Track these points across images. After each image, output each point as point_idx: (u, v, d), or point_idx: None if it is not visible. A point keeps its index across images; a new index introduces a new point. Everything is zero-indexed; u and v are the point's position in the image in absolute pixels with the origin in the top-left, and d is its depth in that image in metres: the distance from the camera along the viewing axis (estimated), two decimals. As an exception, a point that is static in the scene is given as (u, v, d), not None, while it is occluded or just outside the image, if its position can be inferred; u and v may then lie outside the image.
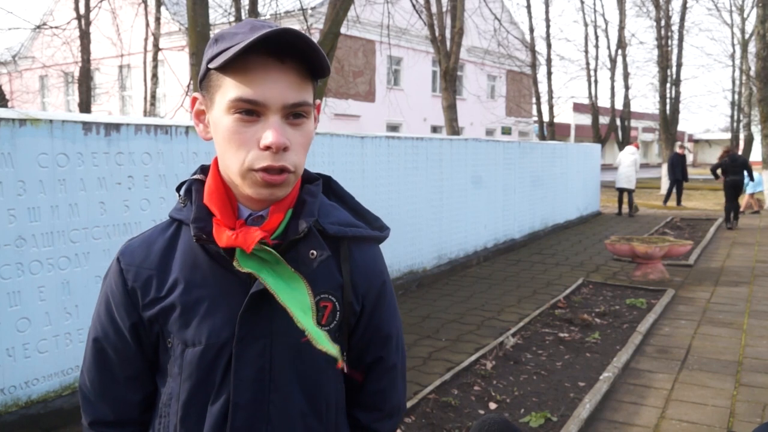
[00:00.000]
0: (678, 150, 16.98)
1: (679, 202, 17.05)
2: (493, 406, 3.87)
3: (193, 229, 1.03)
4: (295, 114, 0.99)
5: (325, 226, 1.09)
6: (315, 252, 1.05)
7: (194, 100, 1.08)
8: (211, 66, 0.97)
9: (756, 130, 28.54)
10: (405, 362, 1.27)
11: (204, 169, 1.13)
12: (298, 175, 1.02)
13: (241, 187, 1.01)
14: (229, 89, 0.97)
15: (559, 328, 5.46)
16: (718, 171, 13.07)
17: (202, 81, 1.03)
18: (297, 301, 1.02)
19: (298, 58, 0.97)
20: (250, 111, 0.96)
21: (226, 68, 0.96)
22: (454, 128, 13.40)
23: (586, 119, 27.19)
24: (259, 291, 1.01)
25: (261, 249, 1.01)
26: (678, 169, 16.51)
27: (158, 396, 1.11)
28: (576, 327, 5.51)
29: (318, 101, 1.09)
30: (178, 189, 1.13)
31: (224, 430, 1.04)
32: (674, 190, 17.06)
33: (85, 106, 14.19)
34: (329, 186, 1.19)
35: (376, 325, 1.17)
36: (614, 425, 3.66)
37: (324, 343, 1.03)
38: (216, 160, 1.07)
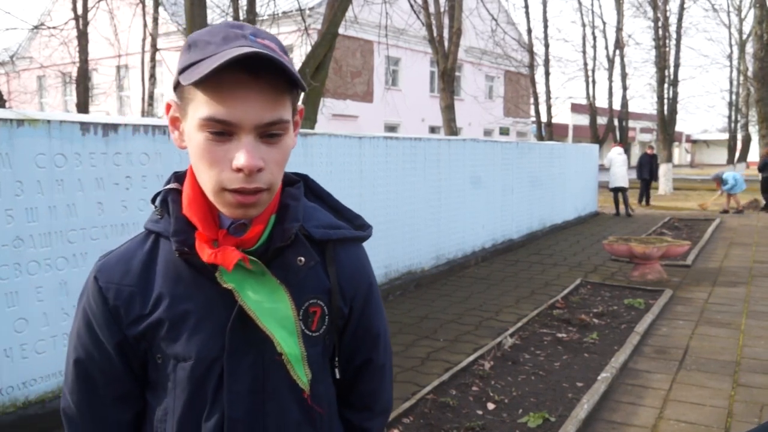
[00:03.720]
0: (647, 150, 17.39)
1: (647, 201, 17.36)
2: (491, 406, 3.87)
3: (175, 243, 0.99)
4: (270, 133, 0.94)
5: (310, 230, 1.07)
6: (303, 258, 1.03)
7: (168, 106, 1.03)
8: (182, 81, 0.92)
9: (754, 130, 28.60)
10: (391, 361, 1.26)
11: (178, 177, 1.08)
12: (273, 192, 0.98)
13: (215, 204, 0.98)
14: (200, 106, 0.92)
15: (557, 329, 5.46)
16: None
17: (176, 88, 0.98)
18: (279, 318, 1.00)
19: (274, 72, 0.91)
20: (221, 131, 0.92)
21: (198, 83, 0.90)
22: (452, 128, 13.41)
23: (584, 120, 27.21)
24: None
25: (250, 260, 0.98)
26: (646, 168, 17.04)
27: (150, 412, 1.08)
28: (574, 327, 5.51)
29: (301, 107, 1.06)
30: (153, 200, 1.08)
31: None
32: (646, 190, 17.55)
33: (82, 106, 14.18)
34: (307, 185, 1.17)
35: (365, 326, 1.16)
36: (612, 425, 3.67)
37: (299, 368, 1.02)
38: (192, 168, 1.02)
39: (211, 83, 0.90)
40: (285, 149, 0.98)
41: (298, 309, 1.03)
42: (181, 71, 0.94)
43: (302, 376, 1.03)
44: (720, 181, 15.36)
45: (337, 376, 1.14)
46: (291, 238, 1.02)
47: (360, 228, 1.16)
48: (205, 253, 0.97)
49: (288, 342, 1.01)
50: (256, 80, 0.91)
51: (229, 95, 0.90)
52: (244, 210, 0.96)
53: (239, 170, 0.92)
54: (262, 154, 0.93)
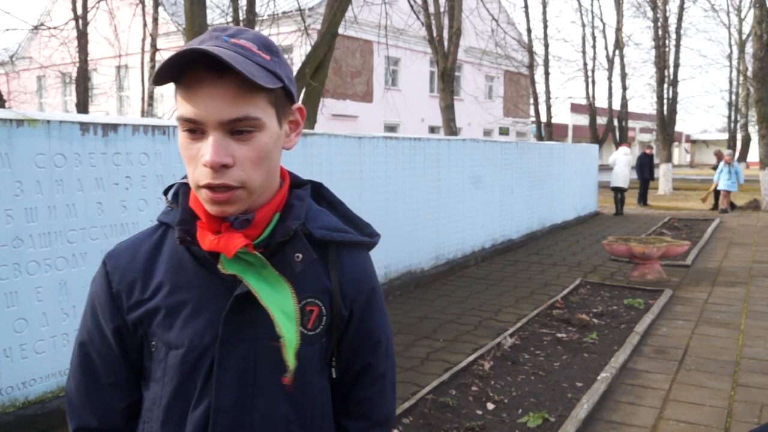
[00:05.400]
0: (646, 150, 17.56)
1: (645, 201, 17.52)
2: (490, 406, 3.87)
3: (178, 232, 1.03)
4: (238, 130, 0.96)
5: (312, 230, 1.08)
6: (300, 255, 1.05)
7: None
8: (152, 82, 0.99)
9: (753, 130, 28.59)
10: (394, 371, 1.25)
11: None
12: (251, 190, 0.99)
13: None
14: (179, 106, 0.97)
15: (556, 329, 5.46)
16: None
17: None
18: (280, 305, 1.02)
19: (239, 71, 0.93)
20: (193, 129, 0.96)
21: (176, 82, 0.96)
22: (451, 129, 13.41)
23: (583, 120, 27.21)
24: (243, 293, 1.01)
25: (246, 252, 1.00)
26: (646, 168, 17.22)
27: (143, 401, 1.10)
28: (574, 327, 5.51)
29: (299, 105, 1.08)
30: (165, 192, 1.13)
31: None
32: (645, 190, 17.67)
33: (82, 106, 14.18)
34: (320, 192, 1.18)
35: (366, 331, 1.16)
36: (612, 425, 3.67)
37: (290, 354, 1.02)
38: None
39: (183, 83, 0.95)
40: (258, 147, 0.98)
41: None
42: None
43: (291, 360, 1.03)
44: (720, 156, 15.67)
45: (333, 375, 1.14)
46: (290, 234, 1.04)
47: (368, 236, 1.17)
48: (207, 241, 1.00)
49: (288, 327, 1.02)
50: (221, 78, 0.93)
51: (195, 94, 0.94)
52: (219, 207, 0.98)
53: (206, 166, 0.95)
54: (231, 150, 0.96)
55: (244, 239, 1.00)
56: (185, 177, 1.10)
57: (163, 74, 0.93)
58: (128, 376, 1.10)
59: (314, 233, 1.08)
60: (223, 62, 0.90)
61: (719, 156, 16.25)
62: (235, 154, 0.96)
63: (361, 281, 1.15)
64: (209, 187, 0.96)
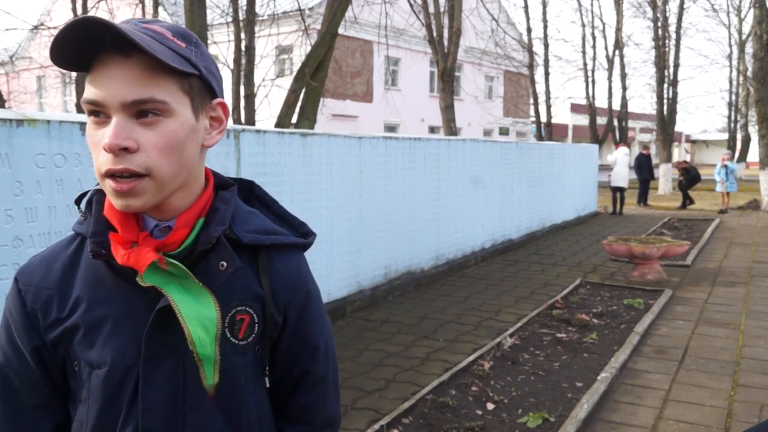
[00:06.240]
0: (643, 151, 17.67)
1: (645, 201, 17.58)
2: (490, 406, 3.87)
3: (91, 245, 0.96)
4: (142, 112, 0.90)
5: (239, 234, 1.02)
6: (225, 263, 0.99)
7: None
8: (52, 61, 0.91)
9: (753, 130, 28.60)
10: (337, 373, 1.20)
11: None
12: (159, 181, 0.92)
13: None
14: (85, 90, 0.92)
15: (556, 329, 5.46)
16: None
17: None
18: (201, 318, 0.97)
19: (146, 52, 0.88)
20: (96, 112, 0.91)
21: (56, 64, 0.90)
22: (451, 129, 13.41)
23: (583, 120, 27.20)
24: (165, 306, 0.95)
25: (168, 262, 0.94)
26: (645, 169, 17.33)
27: (71, 423, 1.04)
28: (573, 327, 5.51)
29: (221, 101, 1.02)
30: (78, 200, 1.05)
31: None
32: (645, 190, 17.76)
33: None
34: (252, 192, 1.13)
35: (302, 336, 1.10)
36: (612, 425, 3.67)
37: (209, 370, 0.98)
38: None
39: (92, 66, 0.90)
40: (166, 134, 0.92)
41: (224, 316, 1.00)
42: None
43: (210, 377, 0.99)
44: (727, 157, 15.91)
45: (267, 384, 1.10)
46: (212, 242, 0.98)
47: (303, 236, 1.11)
48: (119, 255, 0.94)
49: (203, 342, 0.97)
50: (127, 59, 0.89)
51: (99, 75, 0.90)
52: (123, 199, 0.91)
53: (105, 150, 0.89)
54: (135, 135, 0.90)
55: (154, 254, 0.93)
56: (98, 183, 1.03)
57: (64, 52, 0.88)
58: (53, 396, 1.03)
59: (242, 238, 1.02)
60: (126, 38, 0.85)
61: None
62: (139, 138, 0.90)
63: (295, 285, 1.09)
64: (111, 174, 0.90)
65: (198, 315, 0.96)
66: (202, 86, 0.97)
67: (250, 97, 9.59)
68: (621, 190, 14.87)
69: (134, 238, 0.95)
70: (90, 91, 0.90)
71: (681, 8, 21.45)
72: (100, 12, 14.29)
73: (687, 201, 16.76)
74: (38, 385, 1.02)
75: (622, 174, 14.64)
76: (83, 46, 0.88)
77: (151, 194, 0.92)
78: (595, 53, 23.13)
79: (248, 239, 1.03)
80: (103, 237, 0.97)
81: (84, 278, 1.00)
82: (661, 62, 21.00)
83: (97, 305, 0.98)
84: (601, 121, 23.46)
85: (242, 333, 1.02)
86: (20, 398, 1.03)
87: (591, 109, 22.38)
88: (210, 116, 1.01)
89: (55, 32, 13.37)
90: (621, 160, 14.74)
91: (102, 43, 0.89)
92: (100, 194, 1.01)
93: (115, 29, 0.85)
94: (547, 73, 20.47)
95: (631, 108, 28.01)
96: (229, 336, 1.01)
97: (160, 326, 0.96)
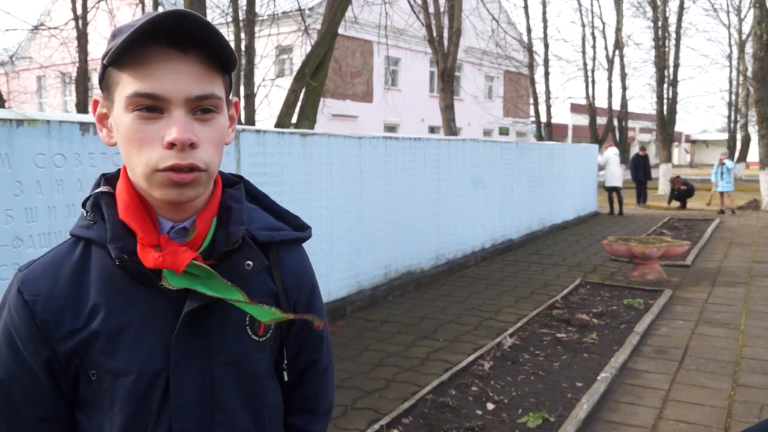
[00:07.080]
0: (640, 152, 17.72)
1: (644, 201, 17.69)
2: (490, 406, 3.87)
3: (114, 251, 0.93)
4: (202, 108, 0.91)
5: (254, 233, 1.03)
6: (251, 263, 1.00)
7: (96, 102, 1.00)
8: (105, 62, 0.90)
9: (753, 130, 28.60)
10: (333, 361, 1.24)
11: (109, 180, 1.02)
12: (211, 174, 0.94)
13: (148, 190, 0.92)
14: (127, 85, 0.89)
15: (556, 329, 5.46)
16: None
17: (101, 81, 0.94)
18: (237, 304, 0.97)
19: (202, 48, 0.89)
20: (151, 107, 0.88)
21: (122, 63, 0.88)
22: (451, 129, 13.41)
23: (583, 120, 27.21)
24: (192, 309, 0.94)
25: (192, 265, 0.93)
26: (641, 169, 17.47)
27: (82, 431, 1.01)
28: (573, 327, 5.51)
29: (236, 99, 1.04)
30: (83, 204, 1.01)
31: None
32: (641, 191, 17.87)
33: (82, 106, 14.18)
34: (245, 187, 1.13)
35: (309, 328, 1.13)
36: (612, 425, 3.67)
37: (267, 315, 0.97)
38: (125, 169, 0.97)
39: (136, 60, 0.88)
40: (220, 129, 0.94)
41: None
42: (104, 57, 0.91)
43: (276, 313, 0.98)
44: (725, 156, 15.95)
45: (285, 378, 1.11)
46: (238, 242, 0.98)
47: (299, 228, 1.13)
48: (150, 258, 0.92)
49: (250, 308, 0.97)
50: (184, 54, 0.89)
51: (156, 69, 0.88)
52: (179, 190, 0.90)
53: (172, 145, 0.88)
54: (195, 130, 0.90)
55: (191, 253, 0.93)
56: (99, 185, 1.02)
57: (130, 43, 0.86)
58: (59, 408, 1.00)
59: (257, 236, 1.03)
60: (213, 34, 0.87)
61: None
62: (198, 134, 0.90)
63: (302, 279, 1.12)
64: (175, 168, 0.88)
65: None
66: (229, 83, 0.99)
67: (250, 97, 9.60)
68: (617, 189, 14.96)
69: (155, 241, 0.94)
70: (145, 85, 0.88)
71: (681, 8, 21.46)
72: (100, 12, 14.28)
73: (683, 204, 16.81)
74: (45, 399, 0.98)
75: (616, 174, 14.76)
76: (145, 38, 0.87)
77: (202, 187, 0.94)
78: (595, 53, 23.16)
79: (263, 237, 1.04)
80: (124, 241, 0.94)
81: (98, 285, 0.96)
82: (661, 62, 21.00)
83: (118, 312, 0.95)
84: (601, 121, 23.47)
85: (261, 330, 1.04)
86: (24, 412, 0.99)
87: (591, 109, 22.40)
88: (229, 113, 1.01)
89: (55, 32, 13.29)
90: (612, 160, 14.88)
91: (154, 37, 0.87)
92: (107, 197, 0.98)
93: (211, 28, 0.87)
94: (547, 73, 20.48)
95: (631, 108, 28.03)
96: (250, 333, 1.02)
97: (187, 329, 0.96)
